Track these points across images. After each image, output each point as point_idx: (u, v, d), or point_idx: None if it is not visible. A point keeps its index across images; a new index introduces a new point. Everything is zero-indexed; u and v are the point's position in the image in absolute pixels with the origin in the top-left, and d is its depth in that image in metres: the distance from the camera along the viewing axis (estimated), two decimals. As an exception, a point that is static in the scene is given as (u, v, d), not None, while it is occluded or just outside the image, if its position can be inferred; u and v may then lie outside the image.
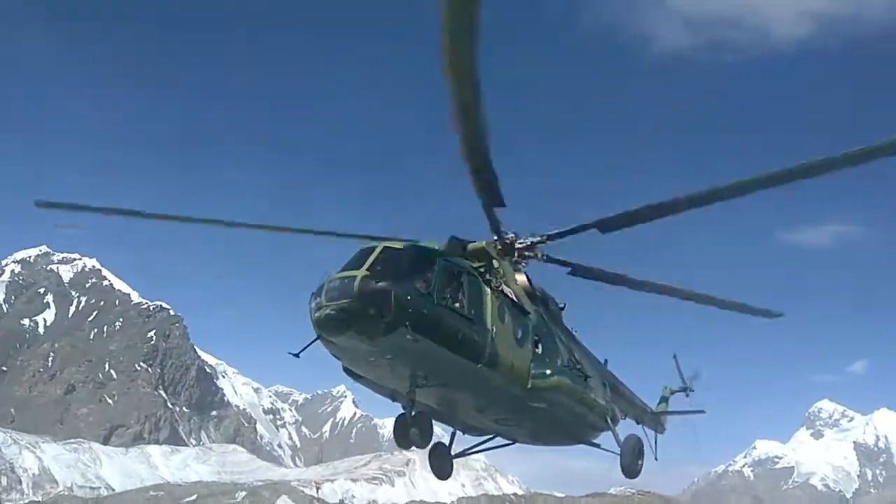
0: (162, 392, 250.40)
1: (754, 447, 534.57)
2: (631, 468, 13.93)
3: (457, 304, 11.19)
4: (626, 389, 20.23)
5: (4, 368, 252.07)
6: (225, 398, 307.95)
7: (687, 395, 30.54)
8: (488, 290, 11.80)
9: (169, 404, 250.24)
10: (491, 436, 15.02)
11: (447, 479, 15.81)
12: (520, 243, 13.64)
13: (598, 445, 14.94)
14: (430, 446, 14.59)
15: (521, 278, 13.33)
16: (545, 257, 14.09)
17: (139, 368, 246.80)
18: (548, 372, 12.31)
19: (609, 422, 14.27)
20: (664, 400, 28.63)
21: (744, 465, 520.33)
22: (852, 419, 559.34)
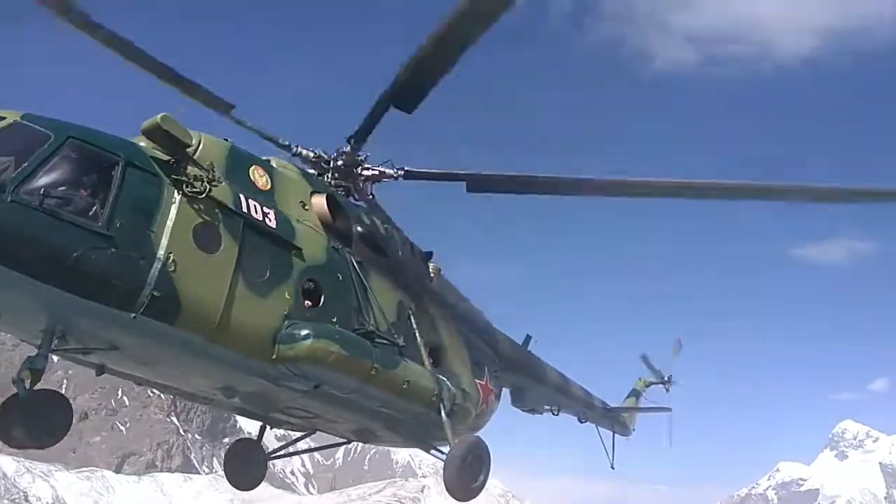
0: (174, 419, 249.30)
1: (777, 469, 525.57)
2: (456, 484, 9.60)
3: (85, 212, 6.98)
4: (556, 376, 17.06)
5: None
6: (237, 425, 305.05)
7: (667, 390, 25.27)
8: (177, 197, 7.60)
9: (181, 431, 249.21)
10: (307, 431, 12.16)
11: (253, 487, 12.77)
12: (346, 163, 10.71)
13: (438, 451, 10.91)
14: (231, 444, 12.86)
15: (317, 201, 9.68)
16: (399, 173, 11.07)
17: (151, 395, 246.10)
18: (303, 334, 8.32)
19: (443, 414, 10.02)
20: (634, 395, 24.47)
21: (767, 488, 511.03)
22: (877, 440, 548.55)
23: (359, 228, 10.30)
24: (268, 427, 12.14)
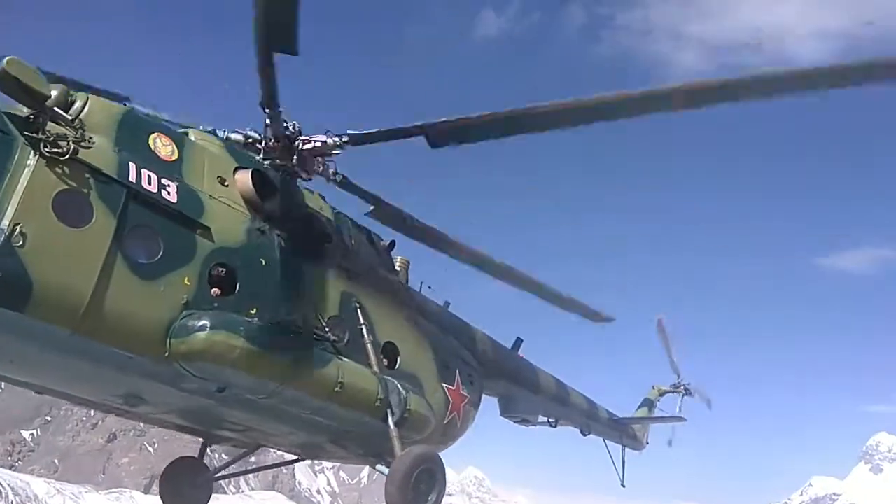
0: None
1: (810, 484, 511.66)
2: (396, 500, 8.22)
3: None
4: (552, 384, 15.33)
5: (49, 418, 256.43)
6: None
7: (686, 394, 22.58)
8: (33, 158, 6.42)
9: (209, 451, 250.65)
10: (249, 447, 11.11)
11: None
12: (277, 137, 8.92)
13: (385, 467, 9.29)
14: (169, 464, 11.43)
15: (241, 177, 8.56)
16: (338, 177, 9.47)
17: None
18: (198, 325, 7.14)
19: (390, 422, 8.78)
20: (648, 405, 22.13)
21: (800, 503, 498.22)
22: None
23: (297, 210, 9.20)
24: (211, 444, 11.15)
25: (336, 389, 8.34)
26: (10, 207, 6.17)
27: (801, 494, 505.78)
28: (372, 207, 10.14)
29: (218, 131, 9.35)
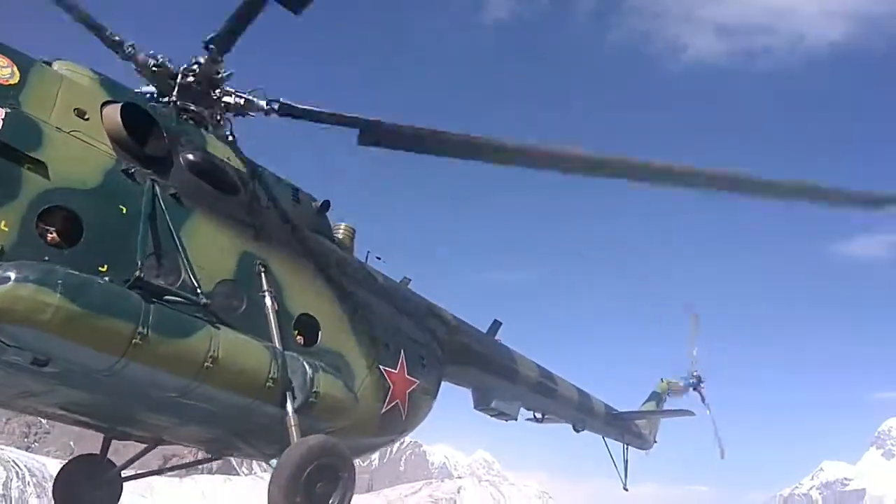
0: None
1: (821, 469, 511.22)
2: (279, 499, 6.92)
3: None
4: (534, 373, 13.86)
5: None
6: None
7: (697, 388, 20.98)
8: None
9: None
10: (150, 443, 9.71)
11: None
12: (199, 79, 8.07)
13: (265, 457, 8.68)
14: (66, 463, 10.43)
15: (109, 111, 7.40)
16: (271, 106, 8.46)
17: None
18: (10, 276, 5.86)
19: (288, 407, 7.41)
20: (655, 398, 20.43)
21: (811, 488, 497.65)
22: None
23: (187, 154, 7.97)
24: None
25: (206, 365, 6.80)
26: None
27: (812, 479, 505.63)
28: (358, 131, 8.60)
29: (126, 44, 8.22)
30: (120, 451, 10.17)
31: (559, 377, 14.92)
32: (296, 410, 7.49)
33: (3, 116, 6.45)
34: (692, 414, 19.43)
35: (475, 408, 13.57)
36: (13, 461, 65.96)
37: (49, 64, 7.47)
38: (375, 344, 9.46)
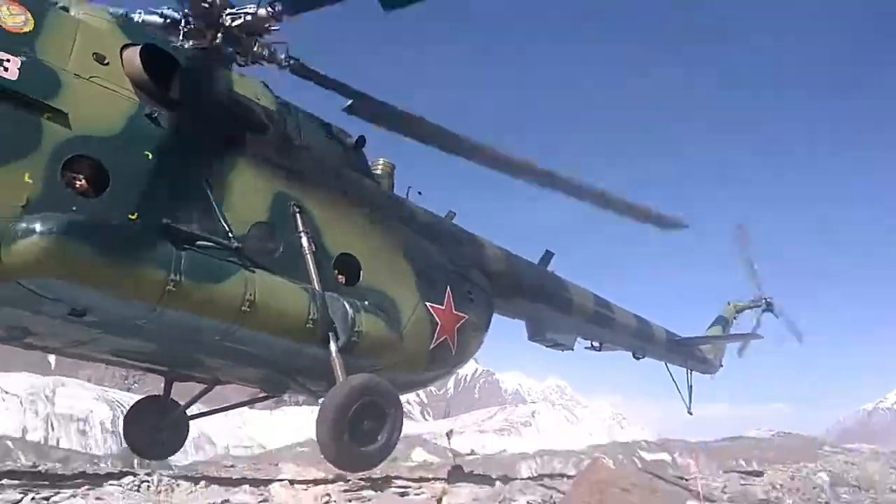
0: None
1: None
2: (331, 448, 7.04)
3: None
4: (590, 302, 13.68)
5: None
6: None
7: (767, 310, 20.06)
8: None
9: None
10: (209, 383, 9.88)
11: (174, 452, 10.30)
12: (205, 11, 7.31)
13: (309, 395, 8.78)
14: (134, 404, 10.67)
15: (129, 55, 7.18)
16: (291, 62, 7.96)
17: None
18: (24, 229, 5.82)
19: (332, 347, 7.47)
20: (722, 323, 19.85)
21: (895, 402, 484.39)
22: None
23: (213, 96, 7.82)
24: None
25: (243, 309, 6.83)
26: None
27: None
28: (350, 102, 8.50)
29: (133, 14, 7.79)
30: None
31: (616, 306, 14.74)
32: (339, 350, 7.49)
33: (19, 66, 6.25)
34: (760, 338, 18.91)
35: (530, 339, 13.46)
36: (117, 401, 71.79)
37: (65, 9, 7.17)
38: (420, 281, 9.34)
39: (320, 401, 7.30)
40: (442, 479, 9.60)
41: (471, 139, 9.56)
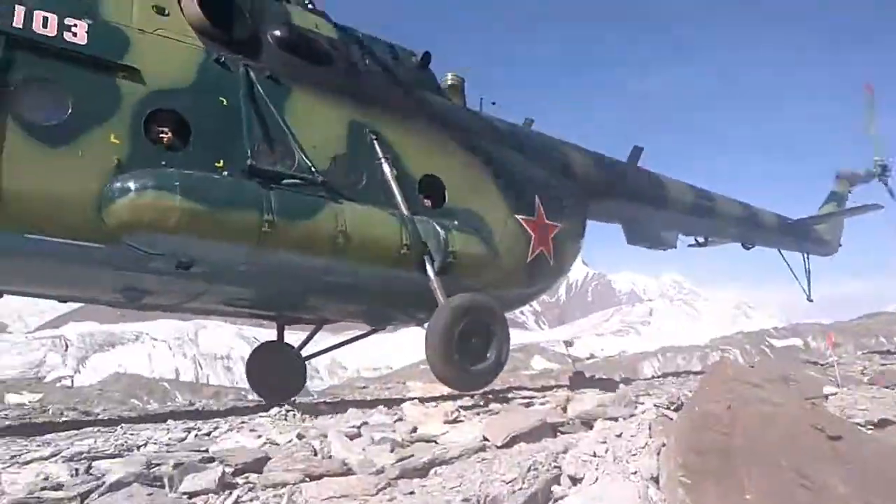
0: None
1: None
2: (442, 367, 7.10)
3: None
4: (688, 194, 13.12)
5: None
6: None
7: (882, 177, 18.12)
8: None
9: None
10: (317, 322, 10.05)
11: (295, 393, 10.31)
12: None
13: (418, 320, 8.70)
14: (255, 348, 10.94)
15: (187, 2, 7.19)
16: None
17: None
18: (121, 188, 5.95)
19: (429, 271, 7.49)
20: (837, 199, 18.31)
21: None
22: None
23: (275, 31, 7.75)
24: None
25: (338, 241, 6.91)
26: None
27: None
28: None
29: None
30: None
31: (718, 195, 14.00)
32: (436, 273, 7.48)
33: (86, 30, 6.29)
34: (881, 207, 16.79)
35: (628, 242, 13.07)
36: (253, 336, 77.78)
37: None
38: (507, 194, 9.19)
39: (425, 326, 7.34)
40: (564, 386, 9.80)
41: None
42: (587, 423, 5.12)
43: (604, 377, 13.26)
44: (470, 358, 7.16)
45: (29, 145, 5.76)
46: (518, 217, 9.22)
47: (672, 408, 5.32)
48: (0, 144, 5.61)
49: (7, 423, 8.57)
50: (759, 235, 15.09)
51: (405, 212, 7.65)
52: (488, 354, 7.33)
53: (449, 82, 9.95)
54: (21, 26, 5.93)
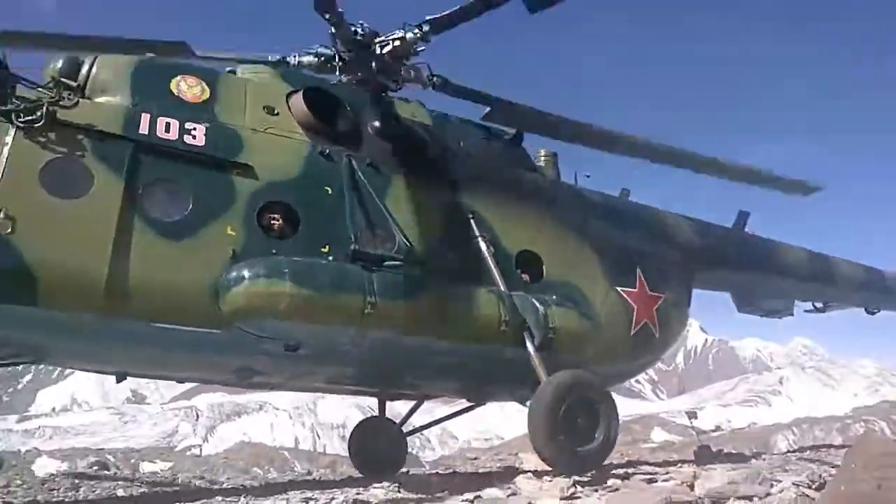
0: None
1: None
2: (546, 447, 6.78)
3: None
4: (801, 259, 12.40)
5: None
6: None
7: None
8: (11, 133, 6.01)
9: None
10: (417, 399, 10.20)
11: (395, 471, 9.98)
12: (358, 45, 7.78)
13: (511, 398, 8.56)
14: (358, 424, 11.04)
15: (294, 100, 7.75)
16: (436, 80, 8.29)
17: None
18: (236, 277, 6.35)
19: (529, 346, 7.36)
20: None
21: None
22: None
23: (374, 123, 8.18)
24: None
25: (437, 319, 7.14)
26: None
27: None
28: (487, 110, 8.89)
29: (288, 58, 8.29)
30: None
31: (836, 258, 13.25)
32: (537, 349, 7.40)
33: (204, 132, 6.89)
34: None
35: (739, 311, 12.56)
36: (368, 406, 79.08)
37: (232, 71, 8.06)
38: (606, 266, 9.09)
39: (527, 404, 7.13)
40: (689, 462, 9.19)
41: (612, 131, 9.92)
42: (717, 503, 4.78)
43: (733, 451, 12.33)
44: (576, 438, 6.86)
45: (155, 241, 6.25)
46: (619, 289, 9.09)
47: (814, 486, 4.89)
48: (129, 241, 6.10)
49: (142, 490, 9.12)
50: (886, 300, 13.93)
51: (503, 288, 7.67)
52: (596, 434, 7.02)
53: (543, 159, 10.12)
54: (146, 132, 6.59)
